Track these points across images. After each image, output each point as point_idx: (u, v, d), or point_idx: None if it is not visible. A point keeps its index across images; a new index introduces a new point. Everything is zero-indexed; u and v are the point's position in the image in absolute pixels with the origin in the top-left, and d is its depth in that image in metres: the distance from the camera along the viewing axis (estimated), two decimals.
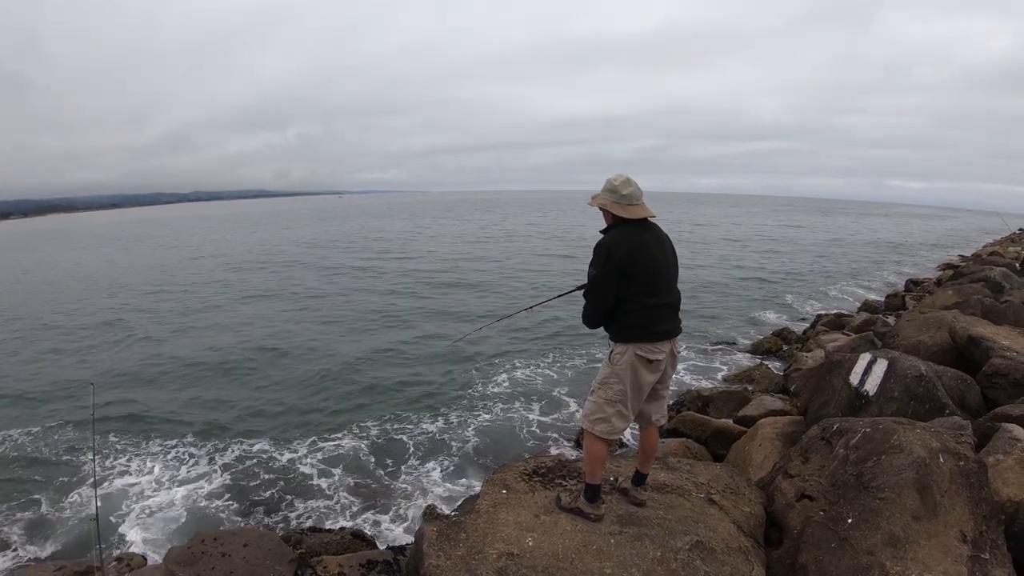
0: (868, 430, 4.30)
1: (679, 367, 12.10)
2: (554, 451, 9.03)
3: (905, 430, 4.12)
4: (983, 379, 6.46)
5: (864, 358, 6.57)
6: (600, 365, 3.96)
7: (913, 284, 22.71)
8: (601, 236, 3.82)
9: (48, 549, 6.67)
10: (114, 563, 5.23)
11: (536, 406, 10.92)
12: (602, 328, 3.92)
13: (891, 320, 14.58)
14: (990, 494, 3.81)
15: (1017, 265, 19.55)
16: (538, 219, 73.03)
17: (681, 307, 3.91)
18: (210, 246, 46.43)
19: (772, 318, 17.99)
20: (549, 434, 9.70)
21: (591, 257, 3.77)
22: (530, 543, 3.64)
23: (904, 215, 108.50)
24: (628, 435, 8.39)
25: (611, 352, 3.83)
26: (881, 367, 6.25)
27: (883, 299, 19.95)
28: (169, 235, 62.83)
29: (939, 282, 20.73)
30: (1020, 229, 52.01)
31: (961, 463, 3.81)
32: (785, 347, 13.79)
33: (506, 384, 12.13)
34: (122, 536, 6.92)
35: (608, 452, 4.06)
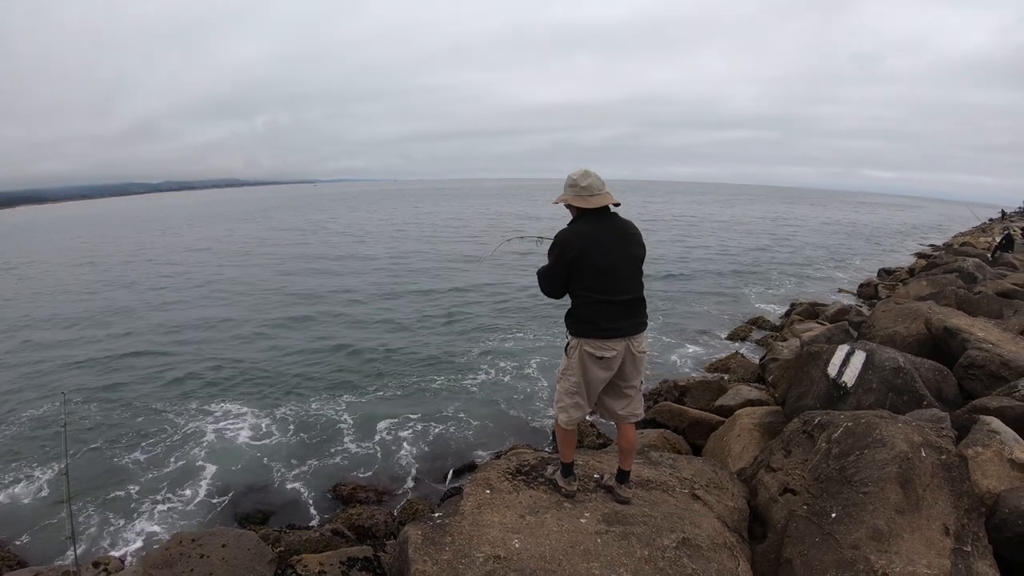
0: (850, 424, 4.32)
1: (655, 356, 12.25)
2: (538, 431, 9.17)
3: (887, 424, 4.15)
4: (959, 370, 6.54)
5: (842, 350, 6.60)
6: None
7: (886, 273, 22.99)
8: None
9: (23, 555, 6.46)
10: (90, 568, 5.11)
11: (519, 391, 10.93)
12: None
13: (865, 309, 14.75)
14: (971, 487, 3.84)
15: (989, 255, 19.87)
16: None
17: (650, 298, 3.95)
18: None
19: (746, 306, 18.09)
20: (530, 420, 9.69)
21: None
22: (516, 545, 3.60)
23: (875, 204, 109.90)
24: (601, 427, 8.40)
25: (567, 344, 3.96)
26: (859, 359, 6.29)
27: (856, 288, 20.18)
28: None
29: (912, 272, 21.01)
30: (990, 219, 52.96)
31: (943, 457, 3.84)
32: (760, 335, 13.89)
33: (489, 368, 12.16)
34: (98, 540, 6.74)
35: (575, 434, 4.33)
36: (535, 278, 4.05)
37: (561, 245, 3.78)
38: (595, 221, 3.81)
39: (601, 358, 3.80)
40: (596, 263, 3.71)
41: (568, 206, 3.90)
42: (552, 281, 3.89)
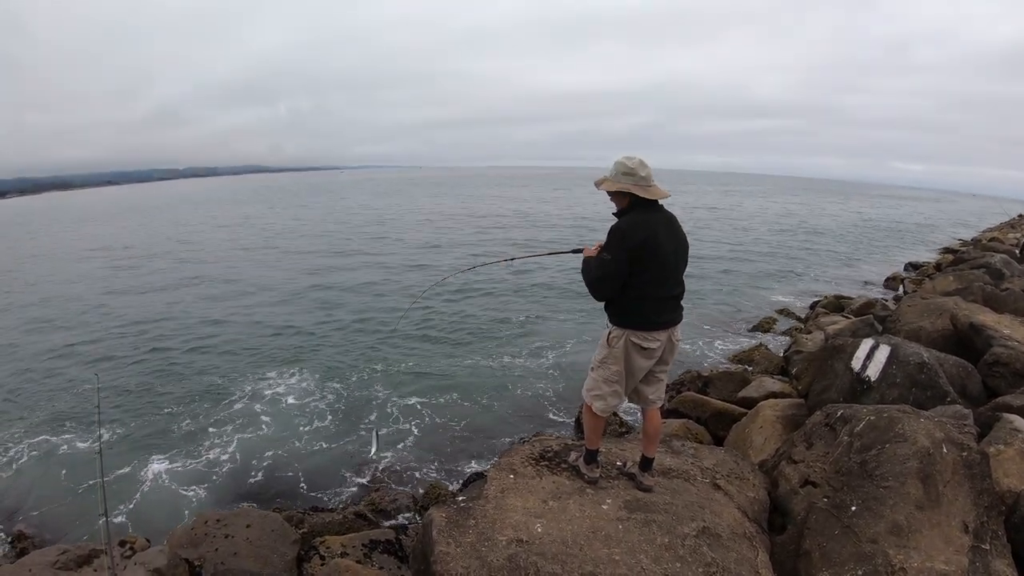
0: (872, 418, 4.33)
1: (680, 345, 12.24)
2: (560, 420, 9.24)
3: (909, 419, 4.16)
4: (984, 368, 6.50)
5: (866, 343, 6.60)
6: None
7: (912, 267, 22.74)
8: (616, 220, 3.82)
9: (54, 531, 6.64)
10: (117, 547, 5.24)
11: (545, 378, 10.99)
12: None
13: (890, 303, 14.63)
14: (992, 485, 3.85)
15: (1017, 252, 19.59)
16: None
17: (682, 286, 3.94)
18: None
19: (771, 298, 17.90)
20: (552, 408, 9.74)
21: (605, 240, 3.79)
22: (539, 529, 3.66)
23: (904, 197, 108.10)
24: (624, 414, 8.43)
25: (608, 334, 3.92)
26: (883, 353, 6.29)
27: (882, 281, 20.00)
28: None
29: (939, 266, 20.75)
30: (1020, 215, 52.06)
31: (964, 453, 3.85)
32: (785, 327, 13.83)
33: (516, 353, 12.26)
34: (125, 519, 6.89)
35: (605, 422, 4.35)
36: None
37: (624, 233, 3.66)
38: (650, 212, 3.76)
39: (647, 349, 3.80)
40: (655, 257, 3.67)
41: (614, 196, 3.82)
42: (615, 276, 3.72)
